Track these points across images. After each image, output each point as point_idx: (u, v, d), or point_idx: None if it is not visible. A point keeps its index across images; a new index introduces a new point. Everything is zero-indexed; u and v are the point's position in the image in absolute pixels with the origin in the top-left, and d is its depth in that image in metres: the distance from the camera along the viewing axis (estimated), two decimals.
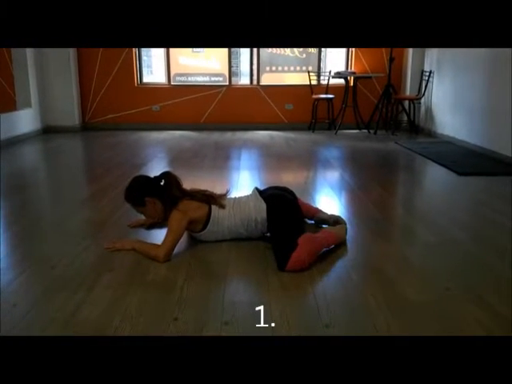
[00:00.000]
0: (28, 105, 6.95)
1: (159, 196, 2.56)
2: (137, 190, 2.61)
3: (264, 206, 2.55)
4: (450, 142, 6.17)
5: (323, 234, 2.56)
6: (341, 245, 2.61)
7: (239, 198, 2.71)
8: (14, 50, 6.83)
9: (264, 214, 2.54)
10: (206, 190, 2.69)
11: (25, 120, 6.81)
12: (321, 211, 2.97)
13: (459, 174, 4.38)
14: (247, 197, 2.69)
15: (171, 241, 2.43)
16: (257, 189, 2.74)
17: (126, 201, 2.65)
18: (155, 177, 2.65)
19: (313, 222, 2.94)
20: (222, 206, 2.57)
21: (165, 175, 2.64)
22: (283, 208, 2.57)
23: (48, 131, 7.32)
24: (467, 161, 4.99)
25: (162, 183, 2.62)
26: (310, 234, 2.50)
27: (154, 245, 2.50)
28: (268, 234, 2.60)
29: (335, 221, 2.81)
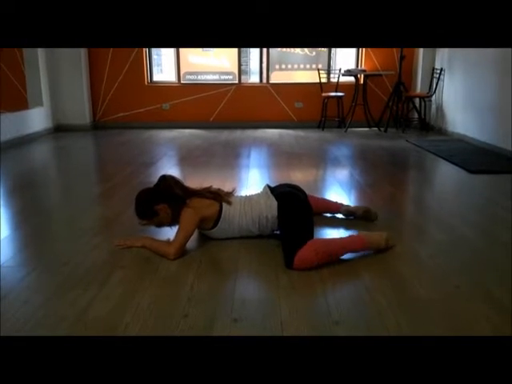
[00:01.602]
0: (39, 103, 7.01)
1: (165, 200, 2.56)
2: (144, 204, 2.60)
3: (275, 203, 2.55)
4: (460, 140, 6.13)
5: (350, 238, 2.50)
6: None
7: (250, 195, 2.72)
8: (25, 49, 6.89)
9: (275, 211, 2.54)
10: (211, 186, 2.70)
11: (36, 119, 6.87)
12: (344, 204, 3.11)
13: (470, 172, 4.35)
14: (258, 194, 2.69)
15: (182, 238, 2.44)
16: (268, 186, 2.74)
17: (141, 218, 2.63)
18: (154, 184, 2.65)
19: (328, 215, 3.07)
20: (229, 203, 2.58)
21: (161, 179, 2.64)
22: (294, 206, 2.56)
23: (59, 130, 7.38)
24: (478, 159, 4.95)
25: (160, 186, 2.62)
26: (324, 238, 2.49)
27: (165, 242, 2.51)
28: (278, 232, 2.60)
29: (365, 211, 2.99)
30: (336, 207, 3.08)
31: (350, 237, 2.51)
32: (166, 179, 2.64)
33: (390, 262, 2.39)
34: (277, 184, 2.95)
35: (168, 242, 2.50)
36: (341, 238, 2.50)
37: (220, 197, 2.61)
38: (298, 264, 2.25)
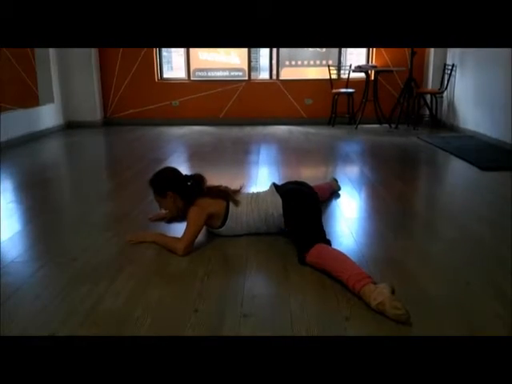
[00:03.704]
0: (50, 100, 7.05)
1: (182, 194, 2.58)
2: (164, 180, 2.63)
3: (280, 201, 2.54)
4: (472, 137, 6.07)
5: (357, 272, 2.01)
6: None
7: (257, 193, 2.71)
8: None
9: (280, 209, 2.53)
10: (220, 185, 2.70)
11: (47, 115, 6.91)
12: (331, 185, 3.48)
13: (482, 168, 4.30)
14: (265, 192, 2.68)
15: (190, 235, 2.44)
16: (274, 184, 2.73)
17: (150, 185, 2.65)
18: (186, 175, 2.66)
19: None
20: (236, 203, 2.58)
21: (195, 178, 2.65)
22: (299, 202, 2.54)
23: (70, 126, 7.42)
24: (490, 155, 4.91)
25: (189, 183, 2.63)
26: (337, 252, 2.23)
27: (175, 238, 2.51)
28: (286, 229, 2.59)
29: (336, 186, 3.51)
30: (331, 189, 3.43)
31: (355, 269, 2.03)
32: (200, 181, 2.64)
33: (400, 258, 2.38)
34: (285, 181, 2.95)
35: (178, 238, 2.51)
36: (348, 266, 2.07)
37: (227, 195, 2.61)
38: (310, 259, 2.24)
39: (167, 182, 2.61)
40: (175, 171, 2.72)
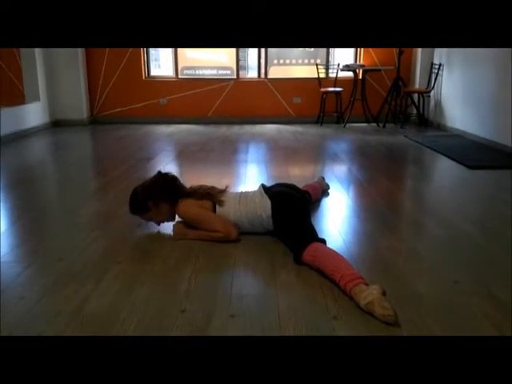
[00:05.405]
0: (36, 98, 6.97)
1: (159, 197, 2.60)
2: (137, 199, 2.65)
3: (269, 203, 2.53)
4: (459, 136, 6.11)
5: (348, 272, 1.99)
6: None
7: (246, 192, 2.70)
8: None
9: (269, 211, 2.52)
10: (204, 185, 2.71)
11: (33, 114, 6.84)
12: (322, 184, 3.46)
13: (469, 167, 4.34)
14: (253, 192, 2.67)
15: (217, 222, 2.51)
16: (263, 186, 2.72)
17: (133, 214, 2.69)
18: (151, 181, 2.70)
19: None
20: (220, 203, 2.57)
21: (158, 176, 2.70)
22: (288, 205, 2.54)
23: (57, 125, 7.35)
24: (477, 154, 4.94)
25: (157, 185, 2.66)
26: (331, 252, 2.20)
27: (211, 232, 2.53)
28: (272, 230, 2.58)
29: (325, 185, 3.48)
30: (322, 188, 3.40)
31: (348, 270, 2.01)
32: (163, 176, 2.69)
33: (388, 257, 2.38)
34: (274, 181, 2.94)
35: (213, 231, 2.53)
36: (342, 266, 2.04)
37: (211, 196, 2.60)
38: (305, 261, 2.22)
39: (140, 198, 2.64)
40: (139, 186, 2.72)
